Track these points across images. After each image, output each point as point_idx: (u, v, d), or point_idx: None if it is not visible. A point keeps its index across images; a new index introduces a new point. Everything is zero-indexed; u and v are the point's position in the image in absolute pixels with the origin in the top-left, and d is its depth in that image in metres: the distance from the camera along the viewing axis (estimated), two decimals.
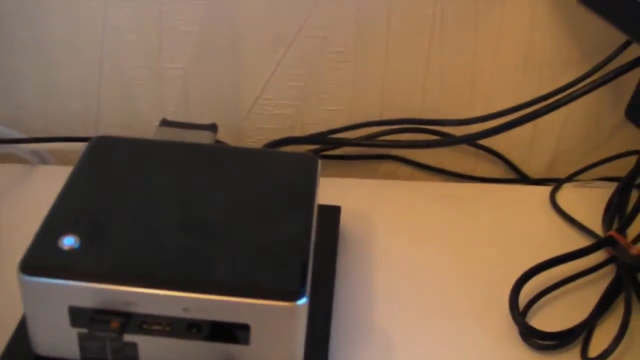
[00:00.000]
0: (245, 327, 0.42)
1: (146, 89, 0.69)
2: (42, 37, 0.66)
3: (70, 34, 0.66)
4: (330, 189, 0.56)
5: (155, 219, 0.46)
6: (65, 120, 0.71)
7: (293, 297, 0.42)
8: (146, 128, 0.69)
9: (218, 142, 0.62)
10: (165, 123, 0.61)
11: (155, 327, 0.42)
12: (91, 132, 0.71)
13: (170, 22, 0.65)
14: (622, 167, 0.67)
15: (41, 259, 0.42)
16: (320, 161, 0.53)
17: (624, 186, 0.64)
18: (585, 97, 0.60)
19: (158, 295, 0.41)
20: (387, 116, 0.71)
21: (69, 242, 0.43)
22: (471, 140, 0.70)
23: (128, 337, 0.42)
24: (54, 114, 0.71)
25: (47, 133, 0.70)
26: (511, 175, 0.74)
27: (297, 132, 0.71)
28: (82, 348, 0.43)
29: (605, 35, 0.64)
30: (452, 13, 0.65)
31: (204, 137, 0.59)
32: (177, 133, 0.59)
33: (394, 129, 0.71)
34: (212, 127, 0.61)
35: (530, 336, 0.52)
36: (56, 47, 0.67)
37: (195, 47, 0.67)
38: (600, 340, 0.51)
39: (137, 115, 0.70)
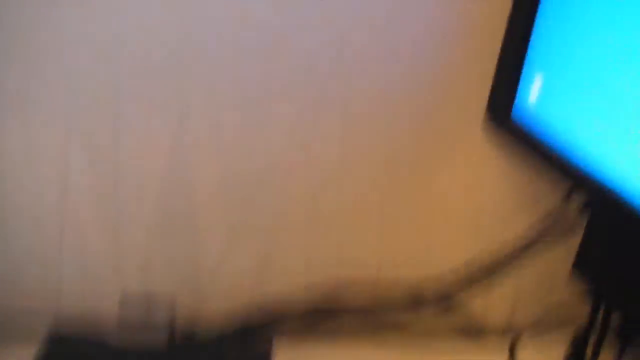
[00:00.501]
0: None
1: (106, 259, 0.70)
2: (3, 206, 0.67)
3: (30, 204, 0.67)
4: None
5: None
6: (25, 290, 0.71)
7: None
8: (106, 302, 0.69)
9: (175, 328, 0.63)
10: (124, 302, 0.62)
11: None
12: (52, 303, 0.71)
13: (127, 193, 0.67)
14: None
15: None
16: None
17: (578, 339, 0.65)
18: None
19: None
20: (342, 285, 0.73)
21: None
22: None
23: None
24: (13, 285, 0.70)
25: (6, 301, 0.70)
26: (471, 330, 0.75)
27: (257, 297, 0.72)
28: None
29: (550, 184, 0.68)
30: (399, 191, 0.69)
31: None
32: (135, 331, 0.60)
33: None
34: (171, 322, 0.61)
35: None
36: (16, 218, 0.68)
37: (154, 219, 0.68)
38: None
39: (98, 286, 0.71)
